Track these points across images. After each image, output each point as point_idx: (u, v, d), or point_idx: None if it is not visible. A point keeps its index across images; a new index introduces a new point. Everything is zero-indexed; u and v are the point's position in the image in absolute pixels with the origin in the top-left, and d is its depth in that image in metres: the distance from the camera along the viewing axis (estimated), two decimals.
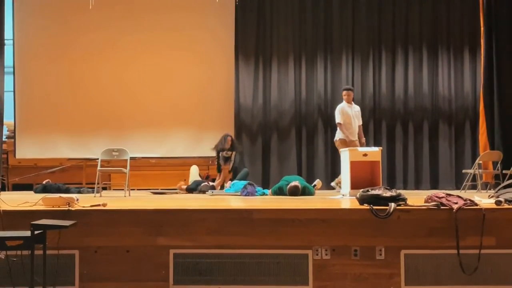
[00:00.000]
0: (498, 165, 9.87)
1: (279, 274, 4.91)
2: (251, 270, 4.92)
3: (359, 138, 9.72)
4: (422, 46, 11.66)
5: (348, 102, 9.75)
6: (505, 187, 5.31)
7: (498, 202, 4.87)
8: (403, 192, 5.26)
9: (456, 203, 4.69)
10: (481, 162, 10.00)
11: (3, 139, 11.62)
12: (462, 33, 11.65)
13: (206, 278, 4.91)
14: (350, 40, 11.69)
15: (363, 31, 11.68)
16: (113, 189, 10.65)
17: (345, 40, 11.68)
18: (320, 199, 7.47)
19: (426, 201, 4.92)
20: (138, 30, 11.60)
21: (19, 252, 4.10)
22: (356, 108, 9.87)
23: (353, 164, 7.97)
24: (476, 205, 4.81)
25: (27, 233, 3.95)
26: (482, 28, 11.02)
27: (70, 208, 4.87)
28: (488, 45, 10.99)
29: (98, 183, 8.37)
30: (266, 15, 11.75)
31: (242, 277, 4.91)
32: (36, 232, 3.96)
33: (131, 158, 8.90)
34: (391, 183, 10.55)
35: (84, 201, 5.38)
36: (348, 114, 9.63)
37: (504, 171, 9.50)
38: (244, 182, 9.04)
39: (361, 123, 9.87)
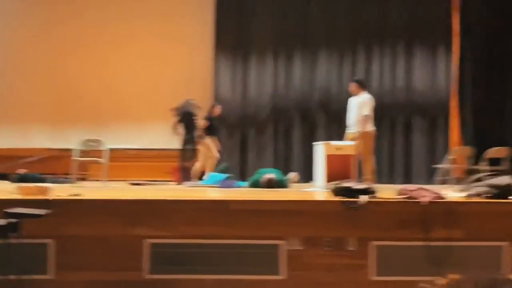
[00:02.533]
0: (470, 160, 9.99)
1: (253, 264, 4.93)
2: (226, 260, 4.93)
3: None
4: (397, 41, 11.74)
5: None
6: (473, 181, 5.38)
7: (466, 196, 4.94)
8: (376, 185, 5.30)
9: (426, 196, 4.74)
10: (452, 157, 10.12)
11: None
12: (436, 29, 11.73)
13: (182, 268, 4.91)
14: (327, 36, 11.72)
15: (341, 26, 11.71)
16: (91, 180, 10.56)
17: (323, 36, 11.71)
18: (295, 192, 7.50)
19: (397, 194, 4.97)
20: (118, 20, 11.52)
21: None
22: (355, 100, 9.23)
23: (328, 158, 8.02)
24: (446, 198, 4.87)
25: (2, 222, 3.89)
26: (456, 25, 11.15)
27: (45, 197, 4.82)
28: (461, 42, 11.12)
29: (74, 173, 8.31)
30: (247, 9, 11.72)
31: (217, 267, 4.92)
32: (10, 220, 3.91)
33: (110, 149, 8.84)
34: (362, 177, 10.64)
35: (59, 191, 5.34)
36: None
37: (474, 166, 9.61)
38: (221, 175, 9.05)
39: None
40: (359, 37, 11.75)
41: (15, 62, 11.54)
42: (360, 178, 8.27)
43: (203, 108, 10.45)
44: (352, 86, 9.23)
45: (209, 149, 10.17)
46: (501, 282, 0.70)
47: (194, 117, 10.11)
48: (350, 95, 11.02)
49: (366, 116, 8.79)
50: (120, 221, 4.86)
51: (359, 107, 8.88)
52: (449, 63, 11.62)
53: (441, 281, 0.74)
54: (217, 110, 10.46)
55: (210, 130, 10.25)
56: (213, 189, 8.40)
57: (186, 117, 10.09)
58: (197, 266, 4.89)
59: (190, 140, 10.10)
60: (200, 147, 10.14)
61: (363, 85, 9.28)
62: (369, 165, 8.80)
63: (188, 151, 10.15)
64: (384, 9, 11.75)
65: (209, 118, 10.26)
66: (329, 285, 4.81)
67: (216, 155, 10.31)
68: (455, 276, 0.76)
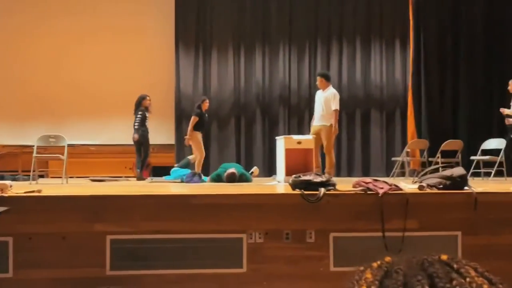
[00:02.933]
0: (425, 153, 10.20)
1: (215, 257, 4.93)
2: (188, 255, 4.91)
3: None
4: (355, 37, 11.91)
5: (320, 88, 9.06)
6: (428, 173, 5.49)
7: (421, 187, 5.03)
8: (335, 178, 5.36)
9: (382, 188, 4.82)
10: (409, 150, 10.31)
11: None
12: (393, 25, 11.96)
13: (143, 264, 4.87)
14: (287, 31, 11.81)
15: (300, 22, 11.81)
16: (51, 177, 10.42)
17: (283, 31, 11.79)
18: (256, 185, 7.54)
19: (354, 186, 5.04)
20: (78, 14, 11.40)
21: None
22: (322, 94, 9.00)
23: (288, 152, 8.09)
24: (401, 190, 4.95)
25: None
26: (411, 22, 11.34)
27: (3, 194, 4.73)
28: (416, 37, 11.34)
29: (34, 170, 8.17)
30: (206, 4, 11.72)
31: (179, 262, 4.89)
32: None
33: (71, 145, 8.75)
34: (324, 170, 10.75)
35: (18, 188, 5.24)
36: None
37: (429, 159, 9.82)
38: (184, 170, 9.04)
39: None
40: (318, 32, 11.88)
41: None
42: (323, 171, 8.37)
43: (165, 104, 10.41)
44: (320, 80, 9.01)
45: (199, 144, 10.05)
46: (430, 262, 0.74)
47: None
48: (309, 90, 11.13)
49: (337, 110, 8.75)
50: (80, 218, 4.79)
51: (328, 101, 8.74)
52: (405, 58, 11.84)
53: (375, 264, 0.77)
54: (206, 104, 10.27)
55: (200, 125, 10.10)
56: (175, 184, 8.39)
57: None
58: (158, 262, 4.86)
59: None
60: (191, 142, 10.04)
61: (329, 79, 9.20)
62: (332, 158, 8.83)
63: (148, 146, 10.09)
64: (342, 5, 11.89)
65: (199, 114, 10.09)
66: (290, 277, 4.85)
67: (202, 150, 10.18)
68: (388, 258, 0.79)
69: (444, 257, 0.89)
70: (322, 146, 8.79)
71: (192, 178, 8.51)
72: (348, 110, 11.67)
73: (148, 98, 10.06)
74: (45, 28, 11.39)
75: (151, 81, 11.51)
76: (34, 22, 11.36)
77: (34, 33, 11.37)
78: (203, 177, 8.84)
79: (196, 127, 9.95)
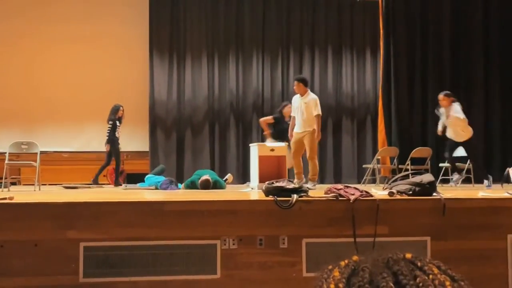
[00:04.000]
0: (395, 160, 10.30)
1: (189, 264, 4.89)
2: (162, 261, 4.87)
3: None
4: (327, 47, 12.01)
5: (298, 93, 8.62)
6: (398, 179, 5.54)
7: (391, 194, 5.07)
8: (319, 185, 5.36)
9: (353, 194, 4.84)
10: (379, 157, 10.40)
11: None
12: (364, 36, 12.09)
13: (117, 271, 4.81)
14: (260, 40, 11.85)
15: (273, 31, 11.87)
16: (23, 184, 10.26)
17: (256, 40, 11.83)
18: (230, 192, 7.52)
19: (325, 193, 5.06)
20: (49, 20, 11.29)
21: None
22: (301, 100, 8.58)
23: (261, 159, 8.09)
24: (372, 196, 4.98)
25: None
26: (381, 32, 11.47)
27: None
28: (386, 48, 11.46)
29: (6, 177, 8.03)
30: (180, 12, 11.72)
31: (153, 268, 4.85)
32: None
33: (43, 152, 8.62)
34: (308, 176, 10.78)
35: None
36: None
37: (399, 166, 9.92)
38: (158, 178, 8.97)
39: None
40: (291, 41, 11.94)
41: None
42: (298, 177, 8.27)
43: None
44: (298, 85, 8.49)
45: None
46: (395, 260, 0.76)
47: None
48: (282, 98, 11.09)
49: (319, 115, 8.35)
50: (52, 225, 4.72)
51: (310, 107, 8.34)
52: (376, 67, 11.97)
53: (342, 262, 0.79)
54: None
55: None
56: (149, 191, 8.32)
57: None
58: (131, 268, 4.81)
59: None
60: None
61: (307, 84, 8.71)
62: (316, 165, 8.39)
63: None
64: (314, 14, 11.98)
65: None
66: (263, 282, 4.84)
67: None
68: (355, 257, 0.81)
69: (408, 255, 0.90)
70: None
71: (169, 185, 8.46)
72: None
73: (121, 108, 10.20)
74: (16, 34, 11.24)
75: (125, 88, 11.44)
76: (7, 28, 11.20)
77: (6, 40, 11.20)
78: (178, 184, 8.80)
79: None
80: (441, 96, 9.07)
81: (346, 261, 0.91)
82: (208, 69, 11.77)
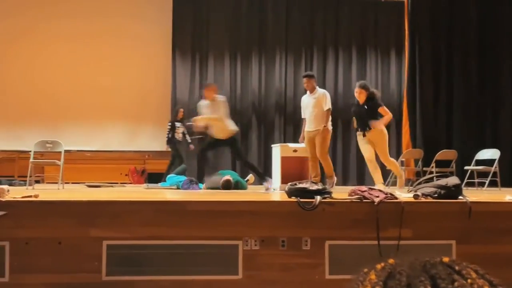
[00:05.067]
0: (419, 162, 10.21)
1: (211, 264, 4.91)
2: (183, 261, 4.90)
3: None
4: (351, 47, 11.95)
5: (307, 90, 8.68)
6: (423, 182, 5.50)
7: (415, 196, 5.03)
8: (337, 186, 5.35)
9: (378, 196, 4.82)
10: (404, 159, 10.32)
11: None
12: (389, 35, 12.00)
13: (139, 269, 4.85)
14: (283, 40, 11.84)
15: (296, 31, 11.85)
16: (47, 182, 10.38)
17: (279, 40, 11.82)
18: (252, 193, 7.53)
19: (349, 195, 5.04)
20: (76, 19, 11.38)
21: None
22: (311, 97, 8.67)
23: (284, 160, 8.08)
24: (396, 198, 4.96)
25: None
26: (406, 32, 11.39)
27: (0, 199, 4.71)
28: (411, 48, 11.38)
29: (30, 176, 8.14)
30: (202, 12, 11.76)
31: (175, 268, 4.88)
32: None
33: (66, 151, 8.71)
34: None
35: (15, 192, 5.22)
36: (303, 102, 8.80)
37: (424, 168, 9.84)
38: (180, 177, 9.01)
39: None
40: (314, 41, 11.91)
41: None
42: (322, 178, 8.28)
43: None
44: (308, 81, 8.59)
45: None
46: (432, 264, 0.75)
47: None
48: None
49: (329, 109, 8.38)
50: (75, 223, 4.77)
51: (319, 102, 8.36)
52: (401, 68, 11.88)
53: (378, 265, 0.79)
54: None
55: None
56: (171, 190, 8.37)
57: None
58: (154, 267, 4.85)
59: None
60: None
61: (315, 80, 8.74)
62: (329, 163, 8.36)
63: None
64: (338, 14, 11.93)
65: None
66: (285, 284, 4.84)
67: None
68: (391, 260, 0.80)
69: (445, 259, 0.90)
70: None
71: (190, 185, 8.49)
72: (343, 119, 11.69)
73: (181, 110, 10.66)
74: (41, 33, 11.39)
75: (148, 88, 11.53)
76: (30, 26, 11.35)
77: (29, 38, 11.36)
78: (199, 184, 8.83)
79: None
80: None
81: (383, 264, 0.91)
82: (230, 69, 11.80)
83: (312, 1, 11.94)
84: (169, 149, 10.53)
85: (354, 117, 8.35)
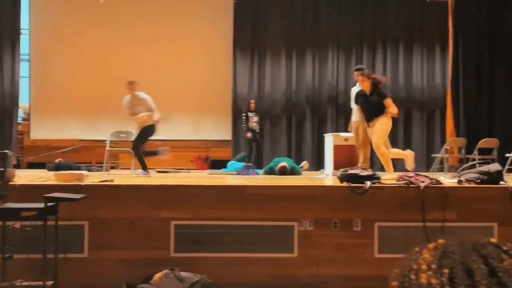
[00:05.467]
0: (463, 150, 9.92)
1: (268, 243, 4.93)
2: (243, 240, 4.94)
3: None
4: (398, 43, 11.70)
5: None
6: (466, 168, 5.34)
7: (459, 182, 4.91)
8: (379, 173, 5.28)
9: (423, 181, 4.72)
10: (448, 147, 10.04)
11: (19, 121, 11.58)
12: (433, 32, 11.71)
13: (203, 247, 4.92)
14: (335, 37, 11.70)
15: (347, 29, 11.69)
16: (121, 168, 10.63)
17: (331, 37, 11.69)
18: (306, 178, 7.49)
19: (397, 180, 4.95)
20: (145, 20, 11.51)
21: (33, 223, 4.03)
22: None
23: (336, 148, 7.99)
24: (441, 183, 4.84)
25: (41, 205, 3.88)
26: (450, 29, 11.06)
27: (80, 183, 4.84)
28: (455, 46, 11.06)
29: (106, 162, 8.35)
30: (261, 12, 11.74)
31: (235, 246, 4.93)
32: (48, 204, 3.90)
33: None
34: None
35: (93, 177, 5.37)
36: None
37: (467, 156, 9.54)
38: (240, 164, 9.05)
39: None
40: (364, 38, 11.72)
41: (50, 61, 11.58)
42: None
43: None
44: (358, 75, 7.86)
45: None
46: (482, 244, 0.72)
47: None
48: None
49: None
50: (147, 205, 4.88)
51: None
52: (445, 63, 11.56)
53: (430, 245, 0.75)
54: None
55: None
56: (231, 176, 8.42)
57: None
58: (216, 245, 4.90)
59: None
60: None
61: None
62: (367, 152, 7.81)
63: None
64: (386, 12, 11.72)
65: None
66: (337, 262, 4.81)
67: None
68: (441, 240, 0.77)
69: (493, 240, 0.88)
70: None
71: (248, 170, 8.52)
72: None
73: (251, 101, 10.96)
74: (117, 33, 11.58)
75: (211, 84, 11.61)
76: (107, 27, 11.57)
77: (107, 37, 11.57)
78: (256, 169, 8.84)
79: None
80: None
81: (434, 244, 0.88)
82: (286, 65, 11.75)
83: (363, 1, 11.74)
84: (248, 137, 10.85)
85: (361, 110, 7.31)
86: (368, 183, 4.76)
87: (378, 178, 4.94)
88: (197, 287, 4.48)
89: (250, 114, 10.83)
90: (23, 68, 11.47)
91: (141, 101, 8.45)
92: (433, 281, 0.80)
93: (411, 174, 4.99)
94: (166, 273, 4.47)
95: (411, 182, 4.78)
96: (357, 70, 8.45)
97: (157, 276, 4.46)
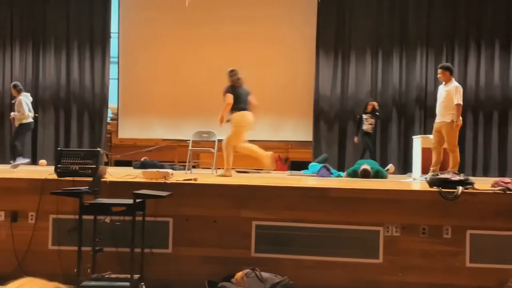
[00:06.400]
0: None
1: (352, 247, 4.90)
2: (325, 243, 4.93)
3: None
4: (494, 41, 11.28)
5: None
6: None
7: None
8: (471, 178, 5.12)
9: None
10: None
11: (108, 121, 12.19)
12: None
13: (284, 248, 4.95)
14: (424, 36, 11.46)
15: (437, 27, 11.42)
16: (202, 167, 10.91)
17: (420, 36, 11.46)
18: (392, 182, 7.38)
19: (492, 186, 4.79)
20: (228, 23, 11.78)
21: (122, 218, 4.24)
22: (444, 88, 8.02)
23: (424, 151, 7.82)
24: None
25: (130, 201, 4.09)
26: None
27: (166, 181, 5.03)
28: None
29: (189, 161, 8.62)
30: (345, 12, 11.68)
31: (316, 249, 4.93)
32: (137, 200, 4.10)
33: (219, 140, 9.09)
34: (460, 169, 10.17)
35: (177, 176, 5.56)
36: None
37: None
38: (320, 165, 9.08)
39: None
40: (456, 36, 11.39)
41: (137, 63, 12.10)
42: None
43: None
44: (442, 73, 7.94)
45: None
46: None
47: None
48: None
49: (460, 104, 7.67)
50: (229, 204, 4.98)
51: (450, 94, 7.73)
52: None
53: None
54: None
55: None
56: (313, 177, 8.45)
57: None
58: (297, 247, 4.93)
59: None
60: None
61: (452, 72, 8.09)
62: (456, 157, 7.75)
63: None
64: (481, 9, 11.32)
65: None
66: (424, 269, 4.72)
67: None
68: None
69: None
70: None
71: (323, 172, 8.54)
72: (485, 111, 11.10)
73: (369, 103, 10.90)
74: (199, 36, 11.91)
75: (293, 83, 11.69)
76: (191, 30, 11.91)
77: (191, 40, 11.92)
78: (331, 170, 8.82)
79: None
80: None
81: None
82: (372, 64, 11.64)
83: None
84: (355, 142, 10.90)
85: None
86: (461, 188, 4.64)
87: (471, 184, 4.80)
88: None
89: (365, 116, 10.74)
90: (112, 70, 12.06)
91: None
92: None
93: (508, 180, 4.81)
94: (247, 272, 4.57)
95: (508, 189, 4.61)
96: (440, 68, 8.13)
97: (239, 275, 4.56)
